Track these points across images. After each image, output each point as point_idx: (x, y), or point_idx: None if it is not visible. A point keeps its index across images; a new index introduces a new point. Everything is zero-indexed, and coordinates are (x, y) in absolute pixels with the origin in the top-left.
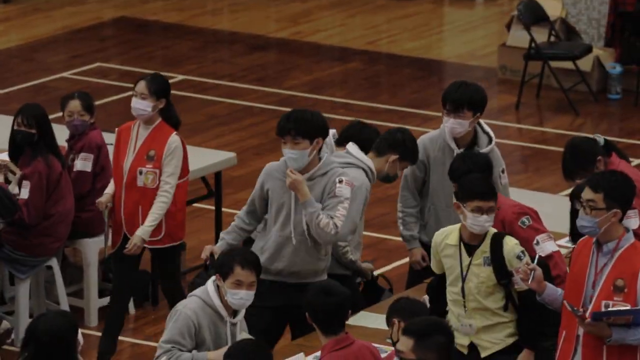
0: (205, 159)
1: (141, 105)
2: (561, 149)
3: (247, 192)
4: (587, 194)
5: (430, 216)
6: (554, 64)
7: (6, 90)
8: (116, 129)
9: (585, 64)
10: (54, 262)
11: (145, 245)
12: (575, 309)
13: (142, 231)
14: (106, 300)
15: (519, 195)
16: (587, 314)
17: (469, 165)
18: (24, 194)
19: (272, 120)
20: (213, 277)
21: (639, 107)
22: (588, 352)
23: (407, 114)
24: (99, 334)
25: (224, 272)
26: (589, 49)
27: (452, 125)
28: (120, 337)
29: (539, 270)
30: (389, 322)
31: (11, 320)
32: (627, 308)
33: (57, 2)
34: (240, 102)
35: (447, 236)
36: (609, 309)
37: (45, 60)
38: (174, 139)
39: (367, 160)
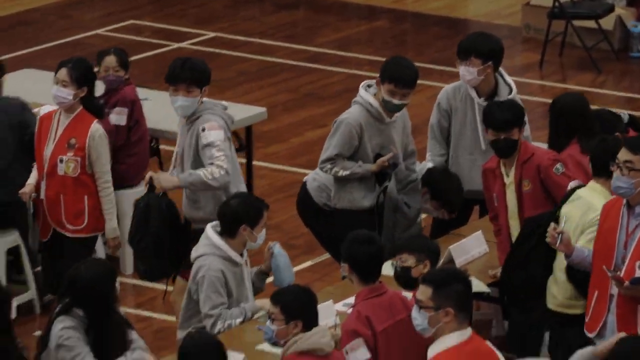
0: (236, 114)
1: (62, 93)
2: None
3: (276, 146)
4: (624, 154)
5: (453, 164)
6: (577, 22)
7: (43, 47)
8: (38, 118)
9: (607, 22)
10: None
11: (70, 235)
12: (612, 271)
13: (109, 228)
14: None
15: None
16: (622, 274)
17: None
18: None
19: (301, 77)
20: (212, 228)
21: None
22: (622, 312)
23: (433, 70)
24: (135, 281)
25: (253, 219)
26: (611, 8)
27: (461, 73)
28: None
29: (567, 234)
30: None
31: None
32: None
33: None
34: (270, 59)
35: None
36: None
37: (80, 18)
38: (96, 127)
39: (365, 96)
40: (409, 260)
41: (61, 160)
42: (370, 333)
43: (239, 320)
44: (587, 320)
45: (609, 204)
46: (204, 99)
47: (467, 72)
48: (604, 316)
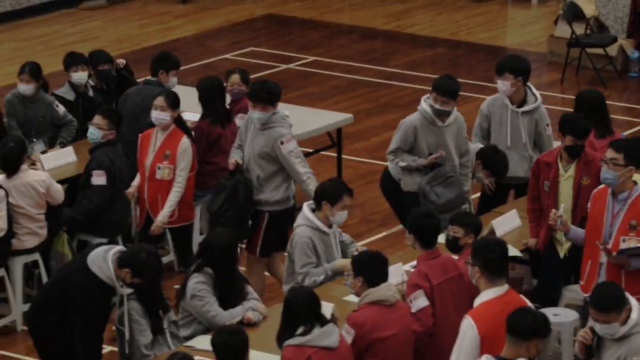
0: (329, 118)
1: (161, 116)
2: None
3: (361, 144)
4: (611, 153)
5: None
6: (590, 50)
7: (185, 67)
8: (139, 135)
9: (612, 50)
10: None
11: (165, 226)
12: (602, 244)
13: (162, 216)
14: None
15: None
16: (610, 247)
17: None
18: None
19: (379, 91)
20: (307, 206)
21: None
22: (610, 276)
23: (480, 86)
24: None
25: (333, 198)
26: (615, 39)
27: (498, 85)
28: None
29: (565, 216)
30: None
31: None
32: (636, 245)
33: (221, 2)
34: (356, 77)
35: None
36: (630, 246)
37: (212, 45)
38: (185, 141)
39: (423, 104)
40: (459, 232)
41: (159, 168)
42: (428, 285)
43: (322, 277)
44: (582, 283)
45: (597, 193)
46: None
47: (503, 84)
48: (595, 280)
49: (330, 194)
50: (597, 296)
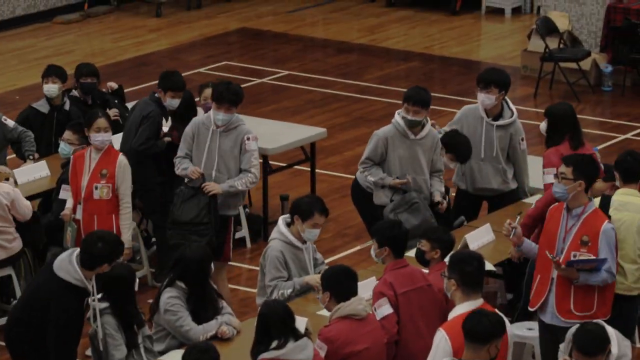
0: (303, 132)
1: (105, 137)
2: None
3: (335, 158)
4: (561, 168)
5: (465, 167)
6: (563, 64)
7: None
8: (71, 156)
9: (585, 64)
10: None
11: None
12: (553, 256)
13: (127, 242)
14: None
15: (536, 161)
16: (561, 261)
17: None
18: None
19: (353, 105)
20: (282, 220)
21: (625, 96)
22: (560, 290)
23: (454, 100)
24: None
25: (305, 214)
26: (588, 54)
27: (482, 99)
28: None
29: (519, 229)
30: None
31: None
32: (592, 257)
33: (195, 16)
34: (330, 91)
35: None
36: (579, 258)
37: (186, 59)
38: (122, 159)
39: (396, 117)
40: (425, 246)
41: (96, 187)
42: (392, 294)
43: (289, 290)
44: (530, 297)
45: (553, 208)
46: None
47: (487, 98)
48: (544, 294)
49: (302, 209)
50: (583, 340)
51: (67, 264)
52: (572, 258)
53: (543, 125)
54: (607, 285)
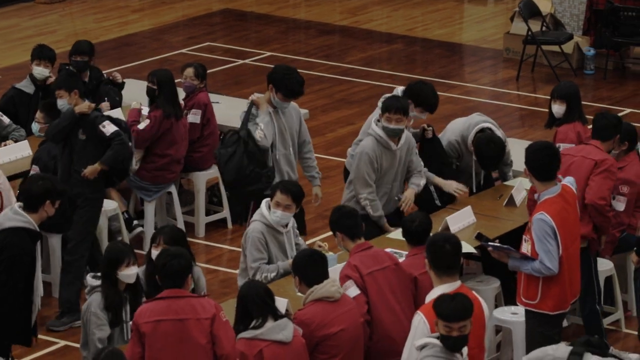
0: None
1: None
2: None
3: (317, 139)
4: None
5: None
6: (545, 47)
7: (141, 62)
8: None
9: (568, 47)
10: (173, 189)
11: None
12: (485, 238)
13: None
14: (212, 218)
15: (518, 145)
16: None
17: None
18: (142, 126)
19: (335, 87)
20: (265, 202)
21: (607, 80)
22: (519, 275)
23: (436, 82)
24: (206, 242)
25: (271, 195)
26: (570, 37)
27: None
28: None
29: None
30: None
31: (141, 230)
32: (509, 247)
33: None
34: (312, 72)
35: None
36: (491, 243)
37: (169, 40)
38: None
39: (373, 127)
40: None
41: None
42: (358, 275)
43: (273, 274)
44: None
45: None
46: None
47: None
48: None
49: (271, 190)
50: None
51: (10, 214)
52: (523, 242)
53: (559, 108)
54: (555, 279)
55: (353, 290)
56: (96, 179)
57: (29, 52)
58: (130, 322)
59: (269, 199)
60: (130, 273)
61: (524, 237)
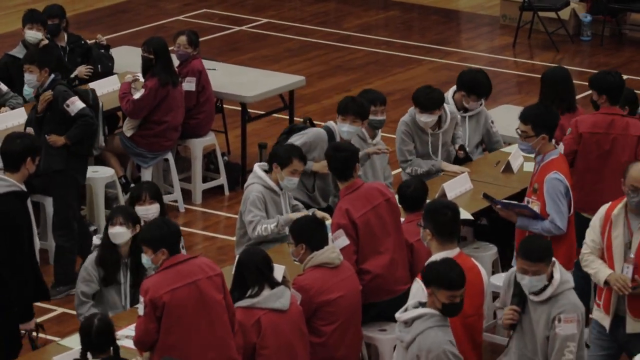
0: (281, 81)
1: None
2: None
3: (313, 106)
4: (520, 126)
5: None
6: (542, 13)
7: (136, 29)
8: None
9: (564, 14)
10: (170, 156)
11: None
12: (491, 199)
13: None
14: (209, 185)
15: (514, 111)
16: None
17: None
18: (137, 96)
19: (332, 53)
20: (259, 166)
21: (604, 46)
22: (519, 232)
23: (432, 49)
24: (202, 209)
25: (283, 161)
26: (567, 3)
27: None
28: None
29: None
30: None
31: None
32: (522, 204)
33: None
34: (308, 39)
35: None
36: (511, 202)
37: (164, 7)
38: None
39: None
40: None
41: None
42: (348, 221)
43: (273, 225)
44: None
45: None
46: None
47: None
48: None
49: (280, 156)
50: (527, 247)
51: None
52: (527, 205)
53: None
54: (563, 239)
55: (342, 241)
56: (60, 152)
57: None
58: (126, 285)
59: (262, 163)
60: (113, 231)
61: (527, 199)
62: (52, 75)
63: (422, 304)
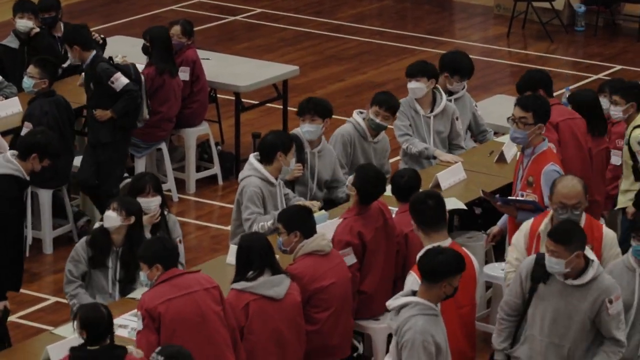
0: (275, 70)
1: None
2: (540, 67)
3: (306, 96)
4: (518, 112)
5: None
6: (536, 4)
7: (130, 19)
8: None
9: (559, 4)
10: (163, 145)
11: None
12: (491, 196)
13: None
14: (202, 174)
15: (508, 101)
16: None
17: None
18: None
19: (325, 43)
20: (254, 157)
21: (597, 37)
22: (511, 226)
23: (426, 39)
24: (195, 198)
25: (286, 147)
26: None
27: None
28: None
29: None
30: None
31: None
32: (523, 198)
33: None
34: (302, 29)
35: None
36: (511, 197)
37: None
38: None
39: (356, 117)
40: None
41: None
42: (360, 243)
43: (269, 222)
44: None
45: (520, 157)
46: None
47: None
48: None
49: (283, 143)
50: (556, 227)
51: (2, 160)
52: (518, 196)
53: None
54: None
55: (350, 259)
56: (108, 125)
57: None
58: (114, 270)
59: (256, 153)
60: (105, 214)
61: (521, 193)
62: (94, 52)
63: (414, 293)
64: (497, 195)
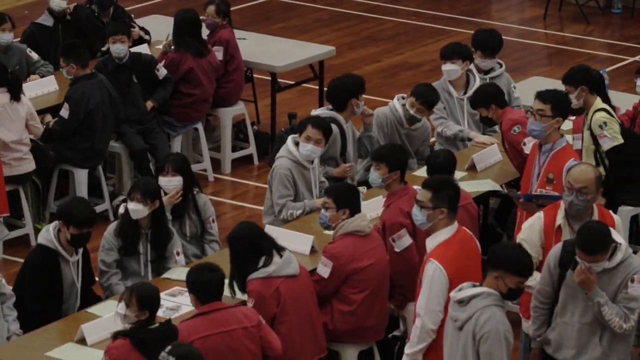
0: (311, 51)
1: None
2: (576, 49)
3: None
4: (537, 104)
5: None
6: None
7: None
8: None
9: None
10: (199, 125)
11: None
12: (511, 191)
13: None
14: (238, 154)
15: (545, 83)
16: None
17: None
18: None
19: (361, 24)
20: (291, 139)
21: (634, 19)
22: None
23: (462, 20)
24: (232, 178)
25: (300, 129)
26: None
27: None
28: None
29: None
30: None
31: None
32: (547, 193)
33: None
34: (338, 9)
35: None
36: (536, 193)
37: None
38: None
39: (395, 103)
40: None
41: None
42: (410, 222)
43: (299, 211)
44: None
45: (535, 143)
46: None
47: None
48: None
49: (299, 125)
50: (584, 238)
51: (44, 232)
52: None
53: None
54: None
55: (407, 240)
56: (148, 112)
57: None
58: (146, 256)
59: (295, 135)
60: (131, 207)
61: (540, 190)
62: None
63: (474, 286)
64: (518, 192)
